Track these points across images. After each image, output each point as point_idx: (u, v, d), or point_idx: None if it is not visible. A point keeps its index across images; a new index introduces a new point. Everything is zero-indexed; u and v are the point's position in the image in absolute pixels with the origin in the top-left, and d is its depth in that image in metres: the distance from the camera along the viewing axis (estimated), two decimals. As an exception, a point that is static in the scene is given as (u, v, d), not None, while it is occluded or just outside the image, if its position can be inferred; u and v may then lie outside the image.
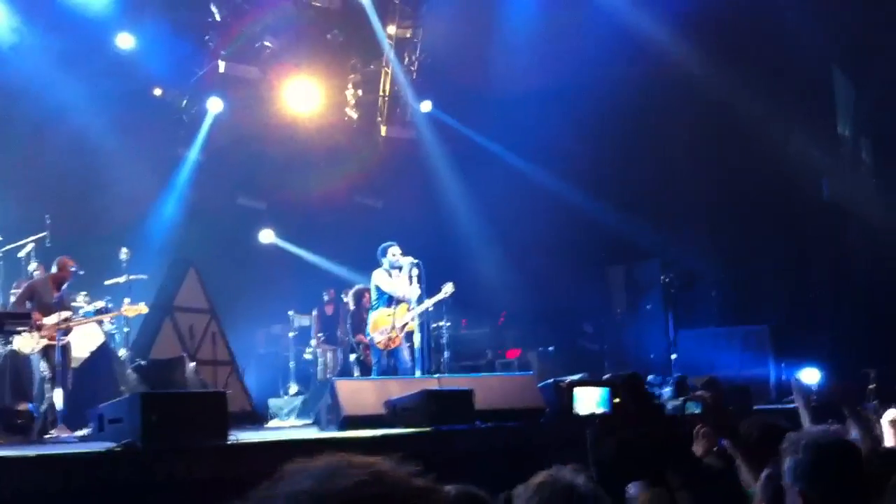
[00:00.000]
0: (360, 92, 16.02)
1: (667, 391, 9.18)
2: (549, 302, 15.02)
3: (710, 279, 14.64)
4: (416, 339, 10.05)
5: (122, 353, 10.21)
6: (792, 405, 9.69)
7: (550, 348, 14.25)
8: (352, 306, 12.23)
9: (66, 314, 9.01)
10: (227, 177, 15.36)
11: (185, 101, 14.95)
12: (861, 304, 13.50)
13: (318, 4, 14.91)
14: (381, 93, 16.23)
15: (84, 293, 10.49)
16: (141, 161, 13.67)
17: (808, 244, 14.24)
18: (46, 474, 5.20)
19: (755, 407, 9.03)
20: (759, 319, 13.05)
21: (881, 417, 4.65)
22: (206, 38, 14.38)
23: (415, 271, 10.01)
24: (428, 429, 7.25)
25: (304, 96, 15.09)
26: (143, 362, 10.29)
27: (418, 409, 7.51)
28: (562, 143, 14.57)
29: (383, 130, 16.32)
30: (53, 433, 8.09)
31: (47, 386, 8.57)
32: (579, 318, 15.59)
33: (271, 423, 10.72)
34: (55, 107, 12.49)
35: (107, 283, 10.46)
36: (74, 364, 9.29)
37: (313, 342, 13.78)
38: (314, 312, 14.14)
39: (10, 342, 8.64)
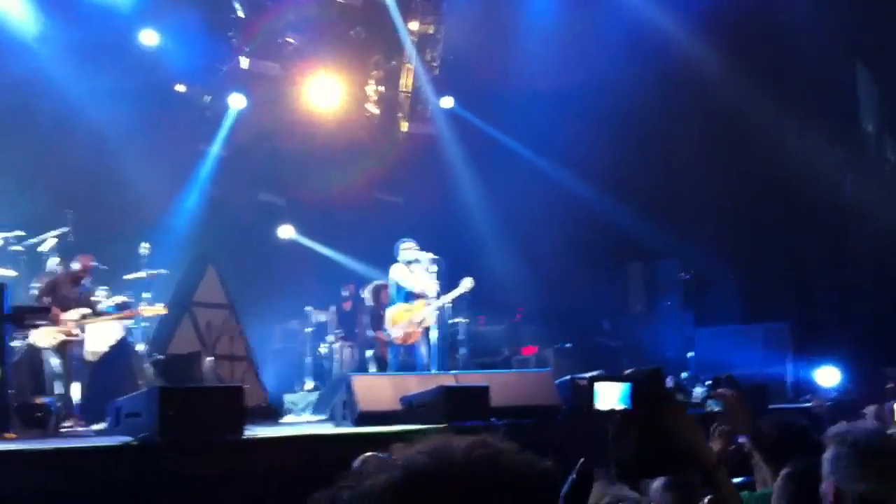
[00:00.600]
0: (381, 88, 16.08)
1: (699, 390, 9.11)
2: (565, 299, 14.95)
3: (729, 278, 14.54)
4: (433, 335, 10.06)
5: (141, 347, 10.25)
6: (808, 404, 9.65)
7: (567, 345, 14.18)
8: (370, 302, 12.25)
9: (85, 310, 9.07)
10: (248, 173, 15.41)
11: (207, 98, 15.02)
12: (882, 302, 13.35)
13: (340, 1, 14.96)
14: (402, 89, 16.25)
15: (104, 288, 10.54)
16: (162, 157, 13.71)
17: (827, 242, 14.11)
18: (64, 469, 5.23)
19: (770, 406, 8.96)
20: (778, 318, 12.96)
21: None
22: (229, 34, 14.47)
23: (434, 267, 10.02)
24: (444, 425, 7.23)
25: (325, 92, 15.13)
26: (160, 357, 10.36)
27: (434, 406, 7.49)
28: (580, 141, 14.53)
29: (404, 126, 16.35)
30: (68, 424, 8.15)
31: (57, 382, 8.63)
32: (596, 316, 15.51)
33: (286, 419, 10.74)
34: (78, 102, 12.54)
35: (126, 277, 10.50)
36: (93, 358, 9.36)
37: (330, 338, 13.81)
38: (332, 308, 14.17)
39: (28, 336, 8.71)
